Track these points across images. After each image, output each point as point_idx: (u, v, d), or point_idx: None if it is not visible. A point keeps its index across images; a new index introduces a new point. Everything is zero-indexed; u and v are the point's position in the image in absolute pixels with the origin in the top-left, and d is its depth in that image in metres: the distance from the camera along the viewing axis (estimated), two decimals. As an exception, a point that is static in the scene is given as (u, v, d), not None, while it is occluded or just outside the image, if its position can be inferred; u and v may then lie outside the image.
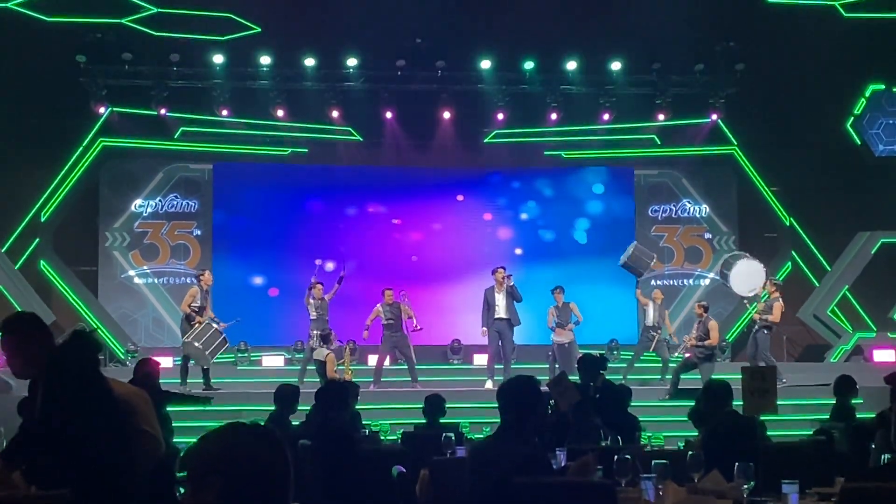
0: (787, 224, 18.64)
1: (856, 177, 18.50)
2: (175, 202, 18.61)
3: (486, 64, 17.85)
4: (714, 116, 18.51)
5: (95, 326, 15.42)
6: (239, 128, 18.27)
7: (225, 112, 17.87)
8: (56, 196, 17.54)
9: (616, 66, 17.94)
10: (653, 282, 18.33)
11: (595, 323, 17.07)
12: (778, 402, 6.97)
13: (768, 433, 8.74)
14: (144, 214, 18.50)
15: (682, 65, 18.17)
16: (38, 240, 17.43)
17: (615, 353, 17.17)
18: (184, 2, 17.42)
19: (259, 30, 17.68)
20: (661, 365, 15.93)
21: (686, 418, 9.22)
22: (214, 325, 14.82)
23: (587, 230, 19.25)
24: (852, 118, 18.94)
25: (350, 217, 18.94)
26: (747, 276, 15.56)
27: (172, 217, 18.57)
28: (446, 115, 18.31)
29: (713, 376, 12.49)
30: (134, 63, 17.35)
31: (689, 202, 19.43)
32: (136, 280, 18.39)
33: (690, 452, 5.39)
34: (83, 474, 3.98)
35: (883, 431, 6.79)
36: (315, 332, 15.05)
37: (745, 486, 4.92)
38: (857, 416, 9.70)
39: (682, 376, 14.59)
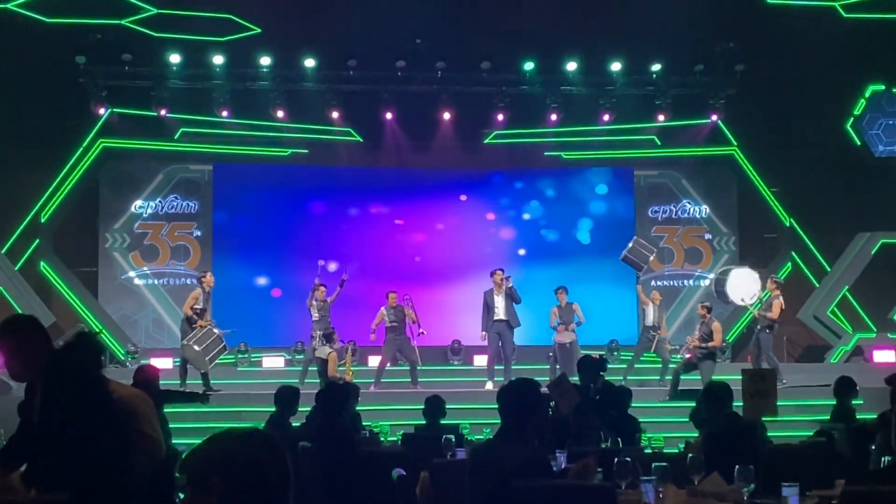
0: (787, 225, 18.64)
1: (856, 177, 18.50)
2: (175, 203, 18.59)
3: (486, 65, 17.85)
4: (714, 117, 18.50)
5: (98, 329, 15.39)
6: (239, 129, 18.24)
7: (225, 113, 17.85)
8: (56, 197, 17.53)
9: (616, 66, 17.91)
10: (653, 282, 18.34)
11: (595, 323, 17.07)
12: (778, 404, 6.98)
13: (769, 434, 8.73)
14: (144, 215, 18.49)
15: (682, 65, 18.15)
16: (38, 241, 17.42)
17: (615, 353, 17.18)
18: (184, 2, 17.43)
19: (259, 30, 17.68)
20: (660, 366, 15.93)
21: (686, 419, 9.23)
22: (216, 331, 14.80)
23: (590, 230, 19.24)
24: (852, 119, 18.95)
25: (352, 218, 18.91)
26: (743, 283, 15.47)
27: (172, 218, 18.55)
28: (446, 115, 18.28)
29: (714, 377, 12.52)
30: (134, 64, 17.33)
31: (689, 203, 19.42)
32: (137, 281, 18.38)
33: (690, 455, 5.39)
34: (83, 476, 3.97)
35: (884, 433, 6.78)
36: (318, 331, 15.07)
37: (746, 489, 4.91)
38: (858, 417, 9.66)
39: (682, 377, 14.59)
